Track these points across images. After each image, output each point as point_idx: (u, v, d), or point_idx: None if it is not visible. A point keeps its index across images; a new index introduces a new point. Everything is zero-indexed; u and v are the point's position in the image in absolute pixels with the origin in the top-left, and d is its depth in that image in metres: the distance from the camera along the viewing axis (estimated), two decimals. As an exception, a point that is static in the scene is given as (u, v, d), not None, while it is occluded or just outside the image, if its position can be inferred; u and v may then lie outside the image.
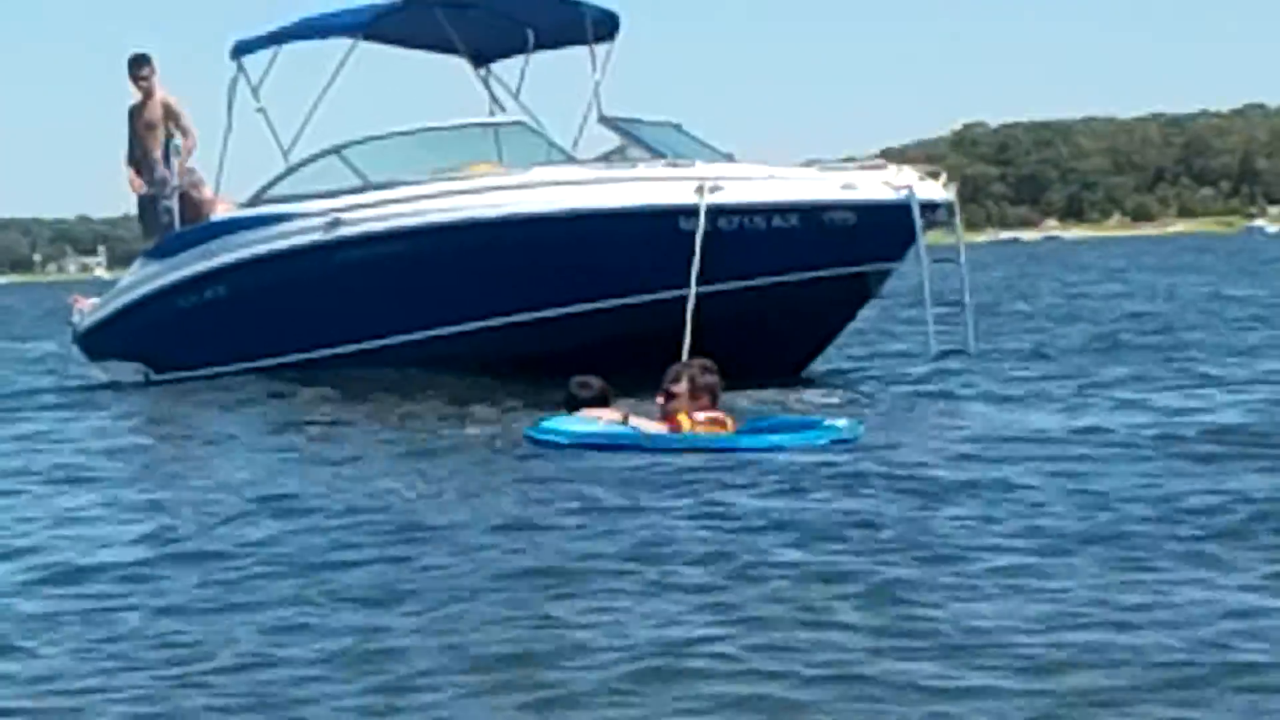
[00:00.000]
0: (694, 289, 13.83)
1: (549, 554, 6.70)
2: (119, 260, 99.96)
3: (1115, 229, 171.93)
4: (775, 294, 14.25)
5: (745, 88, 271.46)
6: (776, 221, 14.11)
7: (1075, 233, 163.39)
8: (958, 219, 14.93)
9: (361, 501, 8.19)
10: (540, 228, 14.56)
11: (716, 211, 14.07)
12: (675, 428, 9.80)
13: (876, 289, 14.93)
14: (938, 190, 14.60)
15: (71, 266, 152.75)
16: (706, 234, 13.94)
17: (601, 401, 10.25)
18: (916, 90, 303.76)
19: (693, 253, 13.86)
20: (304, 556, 6.91)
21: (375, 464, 9.85)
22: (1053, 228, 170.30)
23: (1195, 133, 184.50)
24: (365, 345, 15.36)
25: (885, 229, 14.06)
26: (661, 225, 14.16)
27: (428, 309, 15.02)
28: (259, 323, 15.75)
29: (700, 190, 14.06)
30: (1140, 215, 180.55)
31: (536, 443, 9.88)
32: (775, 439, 9.53)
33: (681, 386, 9.93)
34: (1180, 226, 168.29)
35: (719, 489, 8.19)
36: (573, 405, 10.26)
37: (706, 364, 10.16)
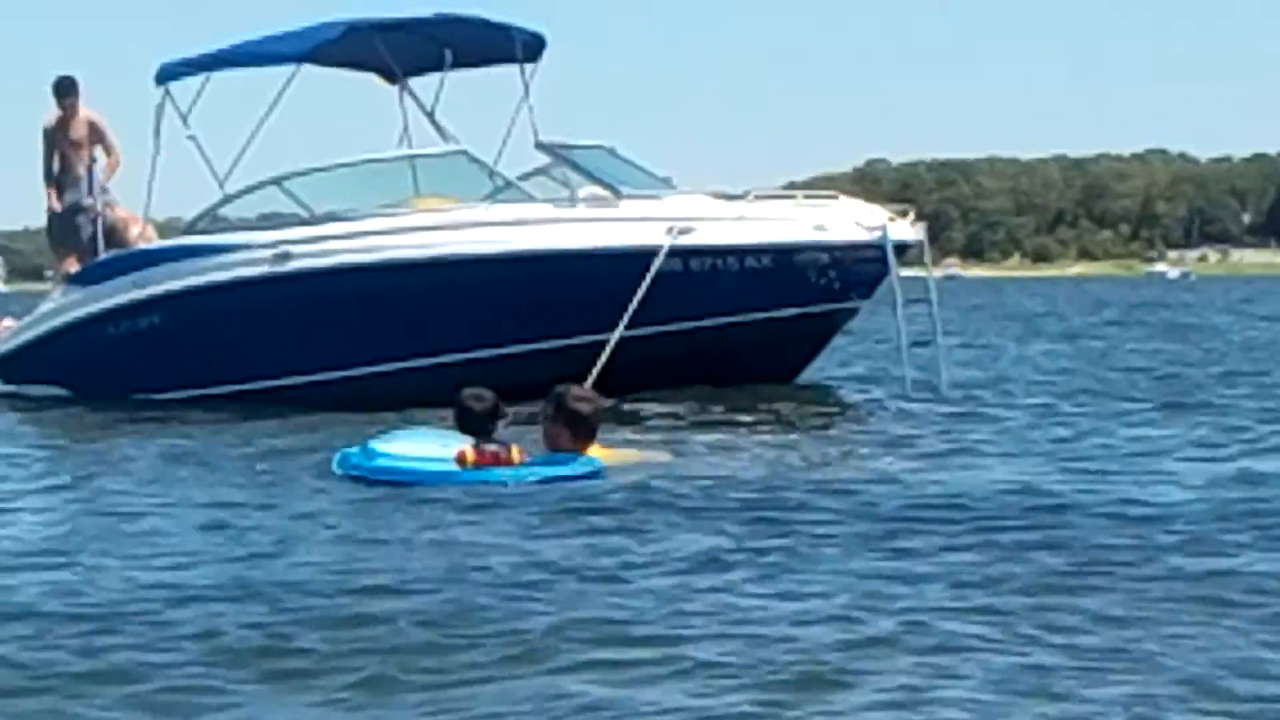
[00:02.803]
0: (620, 331, 13.86)
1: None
2: (18, 273, 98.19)
3: (1015, 269, 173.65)
4: (745, 331, 14.34)
5: (646, 118, 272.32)
6: (750, 262, 14.21)
7: (975, 272, 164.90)
8: (928, 258, 15.06)
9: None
10: (511, 267, 14.37)
11: (688, 252, 14.12)
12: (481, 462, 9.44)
13: (842, 325, 15.22)
14: (909, 230, 14.83)
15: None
16: (677, 274, 14.06)
17: (494, 414, 9.84)
18: (819, 125, 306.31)
19: (656, 291, 13.90)
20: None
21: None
22: (953, 266, 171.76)
23: (1096, 175, 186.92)
24: (312, 378, 14.88)
25: (858, 269, 14.33)
26: (630, 265, 14.07)
27: (379, 344, 14.65)
28: (195, 353, 15.19)
29: (670, 232, 14.10)
30: (1040, 256, 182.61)
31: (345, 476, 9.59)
32: (502, 474, 9.23)
33: (547, 411, 9.72)
34: (1080, 269, 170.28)
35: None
36: (464, 418, 9.85)
37: (580, 393, 9.92)
